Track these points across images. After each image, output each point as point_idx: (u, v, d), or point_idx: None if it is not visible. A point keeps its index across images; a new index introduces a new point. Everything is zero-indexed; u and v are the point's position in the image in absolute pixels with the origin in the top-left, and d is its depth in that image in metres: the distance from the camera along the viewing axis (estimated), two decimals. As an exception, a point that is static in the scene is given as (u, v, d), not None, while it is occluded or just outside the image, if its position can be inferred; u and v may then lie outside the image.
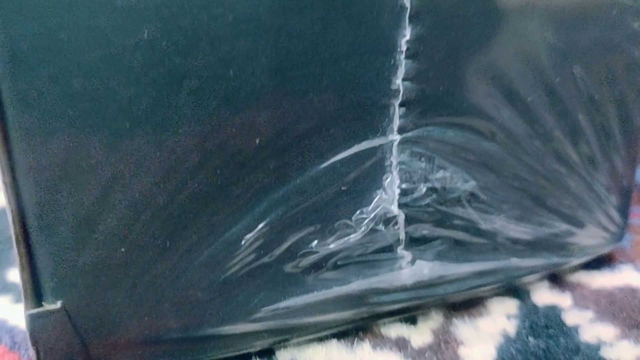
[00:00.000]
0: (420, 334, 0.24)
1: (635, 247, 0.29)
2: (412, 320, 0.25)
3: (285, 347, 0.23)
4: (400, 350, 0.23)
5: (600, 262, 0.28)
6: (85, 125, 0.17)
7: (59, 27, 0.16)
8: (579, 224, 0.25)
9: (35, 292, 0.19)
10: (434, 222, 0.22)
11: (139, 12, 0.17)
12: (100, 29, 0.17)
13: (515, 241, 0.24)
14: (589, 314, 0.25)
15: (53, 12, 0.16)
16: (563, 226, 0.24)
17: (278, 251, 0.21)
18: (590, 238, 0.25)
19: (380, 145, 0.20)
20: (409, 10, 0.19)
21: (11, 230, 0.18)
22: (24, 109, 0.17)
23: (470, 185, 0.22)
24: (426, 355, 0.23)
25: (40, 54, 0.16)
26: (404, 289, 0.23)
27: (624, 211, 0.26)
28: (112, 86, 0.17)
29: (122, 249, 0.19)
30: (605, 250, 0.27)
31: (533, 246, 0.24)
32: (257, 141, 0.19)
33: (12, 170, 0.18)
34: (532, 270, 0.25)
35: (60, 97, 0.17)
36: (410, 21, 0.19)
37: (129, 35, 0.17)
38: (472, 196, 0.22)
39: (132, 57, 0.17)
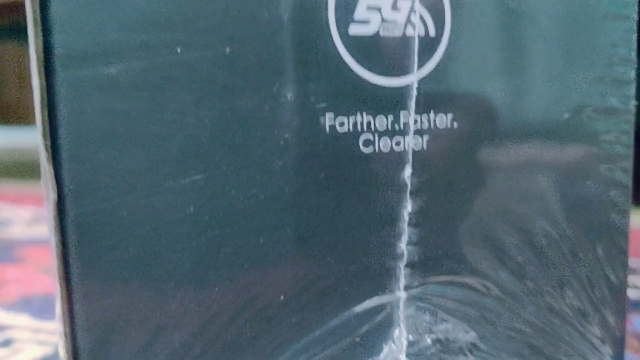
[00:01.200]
0: None
1: (636, 394, 0.31)
2: None
3: None
4: None
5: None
6: (136, 286, 0.21)
7: (120, 206, 0.20)
8: (577, 372, 0.27)
9: None
10: (439, 369, 0.24)
11: (186, 192, 0.20)
12: (154, 207, 0.20)
13: (517, 387, 0.26)
14: None
15: (116, 193, 0.20)
16: (562, 373, 0.26)
17: (299, 397, 0.23)
18: (589, 385, 0.27)
19: (389, 301, 0.23)
20: (409, 187, 0.22)
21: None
22: (86, 271, 0.20)
23: (471, 335, 0.24)
24: None
25: (103, 227, 0.20)
26: None
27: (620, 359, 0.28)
28: (161, 253, 0.21)
29: (163, 394, 0.22)
30: (607, 397, 0.29)
31: (534, 392, 0.26)
32: (282, 298, 0.22)
33: (71, 323, 0.21)
34: (535, 416, 0.27)
35: (117, 262, 0.20)
36: (411, 196, 0.22)
37: (177, 211, 0.20)
38: (473, 346, 0.25)
39: (178, 229, 0.21)
